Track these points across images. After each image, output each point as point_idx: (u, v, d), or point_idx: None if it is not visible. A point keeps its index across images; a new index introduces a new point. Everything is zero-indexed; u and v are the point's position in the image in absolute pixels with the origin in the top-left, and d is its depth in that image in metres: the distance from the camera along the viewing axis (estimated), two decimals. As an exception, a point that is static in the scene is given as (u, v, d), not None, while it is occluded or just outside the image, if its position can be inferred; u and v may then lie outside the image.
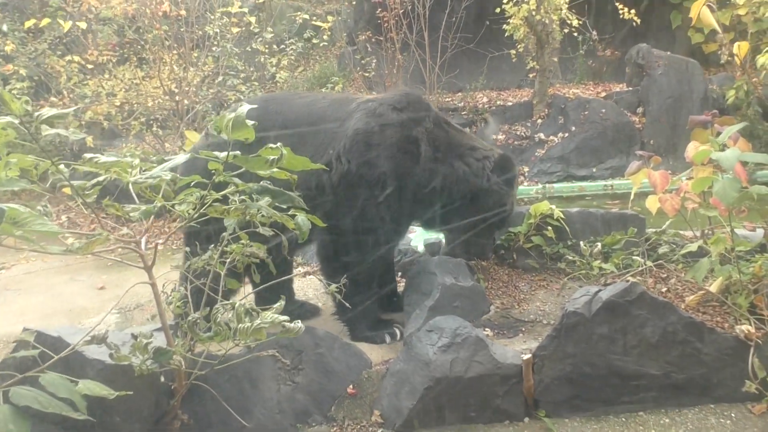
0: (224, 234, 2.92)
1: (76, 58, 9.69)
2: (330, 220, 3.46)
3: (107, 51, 10.12)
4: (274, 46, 12.49)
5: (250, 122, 2.02)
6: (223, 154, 2.12)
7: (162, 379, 3.01)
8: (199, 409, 3.11)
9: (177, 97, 9.03)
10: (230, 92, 9.76)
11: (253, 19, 11.17)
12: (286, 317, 2.41)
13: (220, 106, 9.00)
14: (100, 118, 9.28)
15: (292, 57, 12.02)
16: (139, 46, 10.24)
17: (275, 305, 2.51)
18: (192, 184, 2.30)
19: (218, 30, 9.91)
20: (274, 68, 12.10)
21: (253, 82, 10.31)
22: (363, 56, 12.38)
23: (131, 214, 2.36)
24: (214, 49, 10.19)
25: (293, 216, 2.65)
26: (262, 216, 2.58)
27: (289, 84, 12.17)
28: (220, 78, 9.55)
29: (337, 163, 3.66)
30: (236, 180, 2.22)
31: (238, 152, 2.10)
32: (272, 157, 2.05)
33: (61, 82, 9.66)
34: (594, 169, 10.23)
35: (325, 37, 12.82)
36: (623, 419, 3.18)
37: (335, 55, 14.08)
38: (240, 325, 2.36)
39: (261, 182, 2.32)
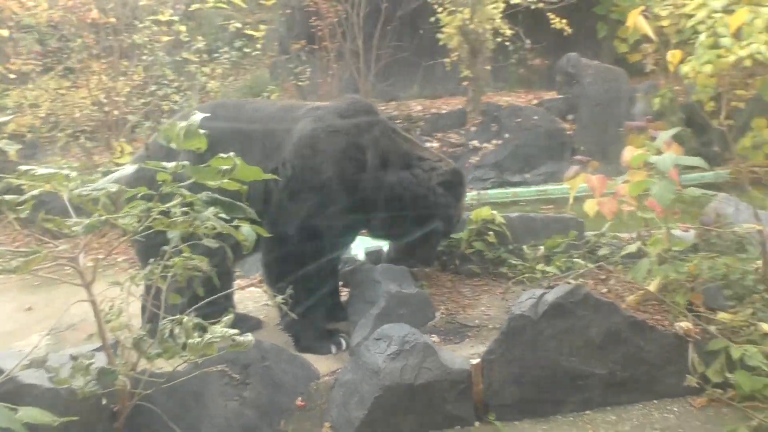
0: (164, 247, 2.83)
1: (-2, 68, 9.29)
2: (275, 229, 3.40)
3: (30, 60, 9.74)
4: (205, 56, 12.27)
5: (202, 131, 1.96)
6: (172, 164, 2.04)
7: (104, 401, 2.88)
8: (143, 430, 3.00)
9: (106, 108, 8.75)
10: (163, 102, 9.52)
11: (183, 28, 10.96)
12: (236, 330, 2.35)
13: (151, 117, 8.76)
14: (23, 130, 8.91)
15: (227, 66, 11.82)
16: (64, 55, 9.88)
17: (224, 319, 2.44)
18: (139, 195, 2.22)
19: (147, 38, 9.66)
20: (205, 78, 11.87)
21: (186, 92, 10.09)
22: (297, 65, 12.30)
23: (73, 229, 2.25)
24: (143, 58, 9.92)
25: (238, 227, 2.59)
26: (209, 228, 2.51)
27: (221, 94, 11.96)
28: (153, 87, 9.31)
29: (283, 169, 3.61)
30: (184, 191, 2.15)
31: (187, 162, 2.04)
32: (224, 168, 1.99)
33: (-21, 93, 9.25)
34: (527, 175, 10.42)
35: (258, 46, 12.67)
36: (571, 419, 3.23)
37: (267, 65, 13.92)
38: (190, 340, 2.28)
39: (208, 193, 2.25)
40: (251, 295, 5.01)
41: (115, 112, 8.89)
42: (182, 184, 2.18)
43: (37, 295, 5.86)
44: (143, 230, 2.39)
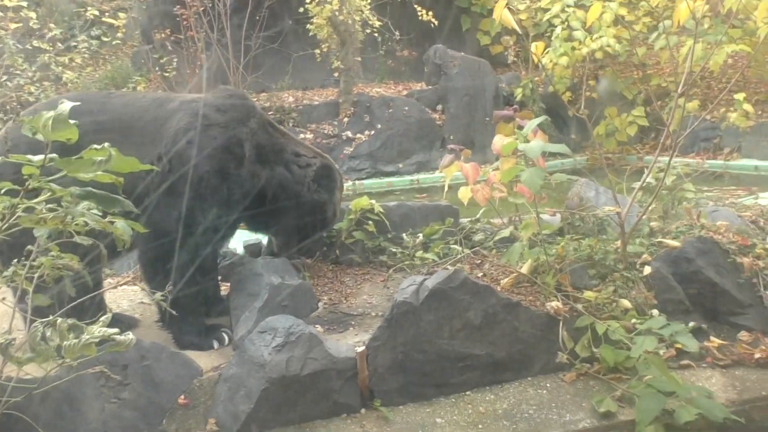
0: (29, 246, 2.66)
1: None
2: (152, 225, 3.27)
3: None
4: (59, 45, 11.58)
5: (72, 121, 1.84)
6: (39, 157, 1.91)
7: (-35, 411, 2.68)
8: (11, 440, 2.82)
9: (-49, 99, 8.08)
10: (16, 93, 8.89)
11: (33, 14, 10.28)
12: (116, 329, 2.24)
13: (4, 110, 8.15)
14: None
15: (86, 55, 11.20)
16: None
17: (102, 318, 2.33)
18: (2, 191, 2.06)
19: (-7, 25, 8.99)
20: (60, 68, 11.20)
21: (43, 83, 9.47)
22: (162, 55, 11.86)
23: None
24: (-9, 46, 9.24)
25: (112, 222, 2.47)
26: (80, 224, 2.38)
27: (78, 85, 11.34)
28: (4, 78, 8.67)
29: (159, 164, 3.48)
30: (54, 186, 2.02)
31: (55, 155, 1.91)
32: (99, 159, 1.89)
33: None
34: (400, 165, 10.64)
35: (119, 34, 12.10)
36: (453, 400, 3.33)
37: (128, 55, 13.34)
38: (65, 342, 2.16)
39: (83, 187, 2.13)
40: (125, 293, 4.81)
41: (-38, 104, 8.23)
42: (51, 178, 2.05)
43: None
44: (6, 228, 2.22)
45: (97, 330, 2.23)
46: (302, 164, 3.99)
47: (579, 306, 3.56)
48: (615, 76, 11.83)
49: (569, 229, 4.35)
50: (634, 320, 3.49)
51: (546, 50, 10.66)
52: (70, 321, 2.29)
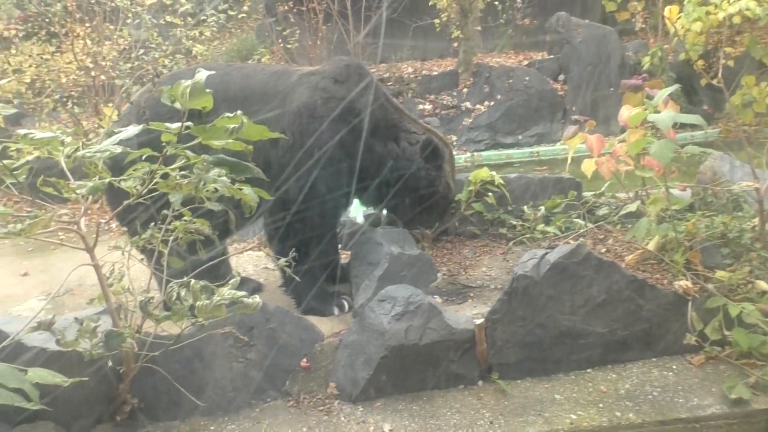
0: (165, 211, 2.81)
1: (-23, 33, 9.10)
2: (276, 194, 3.39)
3: (11, 25, 9.53)
4: (189, 19, 12.06)
5: (208, 90, 1.93)
6: (177, 125, 2.01)
7: (109, 363, 2.89)
8: (149, 391, 3.02)
9: (93, 73, 8.59)
10: (150, 66, 9.37)
11: (165, -10, 10.74)
12: (243, 292, 2.35)
13: (141, 82, 8.61)
14: (8, 96, 8.75)
15: (214, 29, 11.63)
16: (46, 20, 9.68)
17: (231, 281, 2.44)
18: (143, 157, 2.19)
19: (129, 2, 9.45)
20: (190, 42, 11.67)
21: (176, 56, 9.94)
22: (284, 28, 12.13)
23: (77, 192, 2.22)
24: (128, 21, 9.74)
25: (241, 189, 2.57)
26: (211, 190, 2.49)
27: (207, 57, 11.80)
28: (141, 51, 9.16)
29: (284, 137, 3.59)
30: (188, 152, 2.12)
31: (190, 123, 2.01)
32: (232, 126, 1.96)
33: (-39, 59, 9.05)
34: (520, 137, 10.43)
35: (245, 8, 12.47)
36: (573, 377, 3.27)
37: (252, 28, 13.73)
38: (198, 302, 2.28)
39: (214, 155, 2.23)
40: (249, 258, 5.02)
41: (102, 77, 8.74)
42: (186, 145, 2.15)
43: (32, 261, 5.85)
44: (146, 193, 2.36)
45: (227, 292, 2.34)
46: (412, 141, 3.99)
47: (710, 286, 3.39)
48: (754, 42, 11.03)
49: (701, 205, 4.14)
50: (772, 303, 3.29)
51: (678, 15, 10.07)
52: (202, 283, 2.42)
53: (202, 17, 11.82)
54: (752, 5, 9.90)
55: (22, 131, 2.34)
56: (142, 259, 3.31)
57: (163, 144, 2.15)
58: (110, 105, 8.44)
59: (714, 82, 4.09)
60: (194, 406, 2.98)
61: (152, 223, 2.93)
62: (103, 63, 8.77)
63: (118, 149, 2.05)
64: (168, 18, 11.13)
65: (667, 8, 4.06)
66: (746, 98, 8.37)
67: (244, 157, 2.23)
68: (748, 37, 11.55)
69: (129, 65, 9.32)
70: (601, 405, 3.04)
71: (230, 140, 2.04)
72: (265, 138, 2.11)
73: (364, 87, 3.85)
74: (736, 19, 10.22)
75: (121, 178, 2.32)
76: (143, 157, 2.19)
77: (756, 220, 3.69)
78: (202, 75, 1.93)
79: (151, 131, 2.24)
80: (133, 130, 2.06)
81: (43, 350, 2.75)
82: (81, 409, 2.87)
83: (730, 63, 11.23)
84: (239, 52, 12.30)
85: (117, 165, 2.79)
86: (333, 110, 3.68)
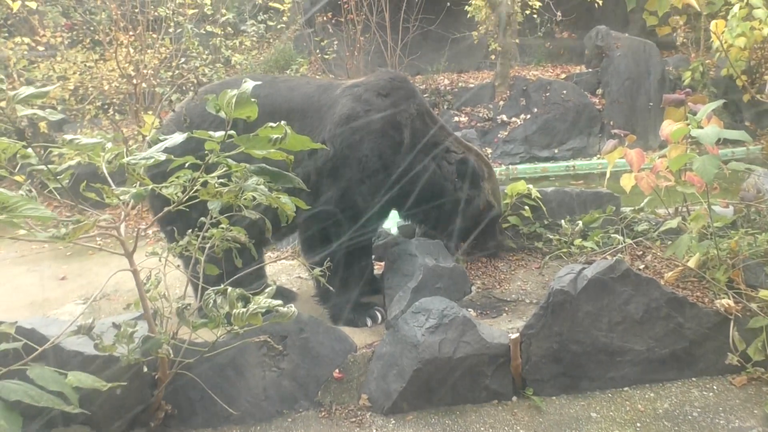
0: (202, 219, 2.83)
1: (26, 40, 9.30)
2: (313, 204, 3.40)
3: (58, 32, 9.75)
4: (229, 29, 12.21)
5: (253, 100, 1.94)
6: (220, 133, 2.03)
7: (145, 368, 2.91)
8: (182, 398, 3.04)
9: (134, 80, 8.74)
10: (191, 75, 9.51)
11: (208, 1, 10.89)
12: (279, 301, 2.35)
13: (181, 90, 8.73)
14: (53, 102, 8.95)
15: (254, 39, 11.77)
16: (91, 28, 9.89)
17: (267, 290, 2.45)
18: (187, 165, 2.21)
19: (172, 11, 9.61)
20: (229, 51, 11.80)
21: (215, 65, 10.07)
22: (322, 38, 12.23)
23: (121, 198, 2.25)
24: (170, 30, 9.90)
25: (278, 198, 2.58)
26: (248, 199, 2.50)
27: (246, 67, 11.93)
28: (182, 60, 9.29)
29: (323, 148, 3.60)
30: (230, 161, 2.13)
31: (233, 132, 2.02)
32: (275, 136, 1.97)
33: (10, 65, 9.26)
34: (556, 150, 10.35)
35: (284, 18, 12.59)
36: (609, 395, 3.21)
37: (290, 39, 13.85)
38: (235, 310, 2.29)
39: (255, 164, 2.24)
40: (283, 267, 5.04)
41: (144, 85, 8.89)
42: (228, 153, 2.16)
43: (70, 265, 5.95)
44: (187, 201, 2.38)
45: (263, 300, 2.34)
46: (451, 160, 3.96)
47: (753, 305, 3.30)
48: (798, 58, 10.82)
49: (743, 222, 4.05)
50: (816, 325, 3.20)
51: (722, 30, 9.92)
52: (239, 290, 2.43)
53: (242, 27, 11.97)
54: (797, 21, 9.73)
55: (67, 137, 2.38)
56: (179, 266, 3.34)
57: (206, 152, 2.17)
58: (150, 113, 8.57)
59: (759, 97, 4.00)
60: (227, 414, 2.99)
61: (190, 230, 2.96)
62: (145, 71, 8.92)
63: (162, 156, 2.07)
64: (208, 28, 11.30)
65: (713, 22, 3.99)
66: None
67: (285, 167, 2.23)
68: (791, 53, 11.34)
69: (169, 74, 9.46)
70: (638, 424, 2.97)
71: (272, 150, 2.04)
72: (307, 148, 2.12)
73: (407, 101, 3.84)
74: (783, 35, 10.04)
75: (162, 185, 2.35)
76: (186, 165, 2.21)
77: (801, 239, 3.59)
78: (248, 85, 1.94)
79: (191, 140, 2.27)
80: (178, 137, 2.08)
81: (80, 354, 2.78)
82: (115, 414, 2.89)
83: (774, 79, 11.05)
84: (277, 62, 12.41)
85: (156, 171, 2.83)
86: (374, 122, 3.68)
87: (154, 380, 2.93)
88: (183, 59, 9.17)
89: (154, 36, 9.54)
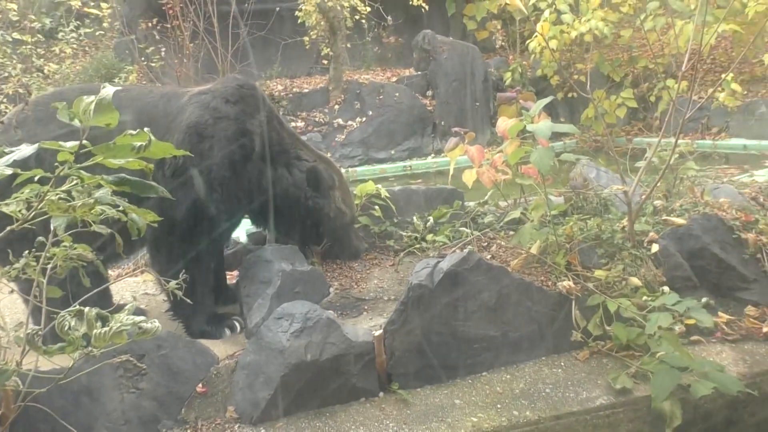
0: (40, 238, 2.63)
1: None
2: (162, 215, 3.25)
3: None
4: (39, 36, 11.39)
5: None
6: (73, 143, 1.88)
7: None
8: (33, 432, 2.80)
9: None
10: (4, 85, 8.76)
11: (13, 6, 10.12)
12: (143, 317, 2.22)
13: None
14: None
15: (74, 46, 11.05)
16: None
17: (127, 306, 2.31)
18: (35, 179, 2.03)
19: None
20: (41, 60, 11.00)
21: (31, 75, 9.33)
22: (147, 45, 11.72)
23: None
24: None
25: (126, 213, 2.44)
26: (96, 213, 2.35)
27: (63, 78, 11.17)
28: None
29: (171, 158, 3.45)
30: (84, 173, 1.99)
31: (87, 142, 1.89)
32: (138, 144, 1.86)
33: None
34: (393, 151, 10.63)
35: (104, 24, 11.93)
36: (470, 381, 3.34)
37: (108, 46, 13.13)
38: (95, 330, 2.14)
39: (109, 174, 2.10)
40: (127, 285, 4.78)
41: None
42: (81, 165, 2.02)
43: None
44: (33, 217, 2.19)
45: (125, 318, 2.21)
46: (302, 168, 3.97)
47: (590, 285, 3.58)
48: (602, 58, 11.88)
49: (573, 209, 4.37)
50: (645, 297, 3.52)
51: (534, 35, 10.68)
52: (96, 310, 2.27)
53: (60, 35, 11.20)
54: (600, 25, 10.68)
55: None
56: (12, 291, 3.07)
57: (56, 164, 2.01)
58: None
59: (584, 93, 4.35)
60: (83, 443, 2.79)
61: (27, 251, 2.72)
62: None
63: (9, 171, 1.89)
64: (15, 35, 10.47)
65: (539, 24, 4.29)
66: (598, 110, 9.00)
67: (143, 177, 2.12)
68: (597, 54, 12.45)
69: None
70: (499, 406, 3.13)
71: (130, 159, 1.93)
72: (168, 155, 2.03)
73: (256, 108, 3.78)
74: (587, 37, 10.99)
75: (4, 202, 2.15)
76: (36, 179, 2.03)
77: (625, 221, 3.95)
78: (108, 90, 1.83)
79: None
80: (27, 150, 1.91)
81: None
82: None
83: (582, 78, 12.07)
84: (98, 71, 11.72)
85: None
86: (223, 130, 3.59)
87: (-2, 417, 2.67)
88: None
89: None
